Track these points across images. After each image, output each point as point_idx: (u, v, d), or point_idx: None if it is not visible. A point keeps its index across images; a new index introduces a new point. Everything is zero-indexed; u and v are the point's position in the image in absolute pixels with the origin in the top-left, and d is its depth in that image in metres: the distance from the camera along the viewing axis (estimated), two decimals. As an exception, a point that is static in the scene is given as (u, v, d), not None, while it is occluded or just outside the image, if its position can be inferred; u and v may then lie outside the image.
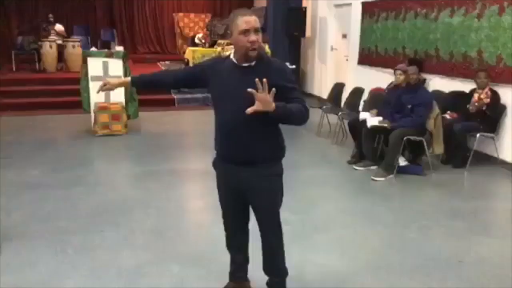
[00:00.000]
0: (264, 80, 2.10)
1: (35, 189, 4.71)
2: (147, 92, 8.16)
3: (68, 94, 8.82)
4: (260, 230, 2.57)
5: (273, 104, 2.14)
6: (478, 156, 5.64)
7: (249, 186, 2.43)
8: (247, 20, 2.24)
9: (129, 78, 2.71)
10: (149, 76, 2.76)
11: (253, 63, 2.32)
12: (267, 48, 8.82)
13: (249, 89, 2.10)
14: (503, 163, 5.57)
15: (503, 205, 4.60)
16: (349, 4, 9.13)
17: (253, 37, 2.23)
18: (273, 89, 2.11)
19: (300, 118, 2.32)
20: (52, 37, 10.77)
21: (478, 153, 5.65)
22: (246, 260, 2.76)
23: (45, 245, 3.50)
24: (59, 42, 10.77)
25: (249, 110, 2.14)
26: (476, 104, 5.46)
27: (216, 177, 2.59)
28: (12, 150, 6.02)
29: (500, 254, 3.50)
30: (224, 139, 2.41)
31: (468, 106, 5.54)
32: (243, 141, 2.34)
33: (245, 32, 2.23)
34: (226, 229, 2.70)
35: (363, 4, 8.61)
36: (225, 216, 2.66)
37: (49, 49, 10.42)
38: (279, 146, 2.47)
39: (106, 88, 2.67)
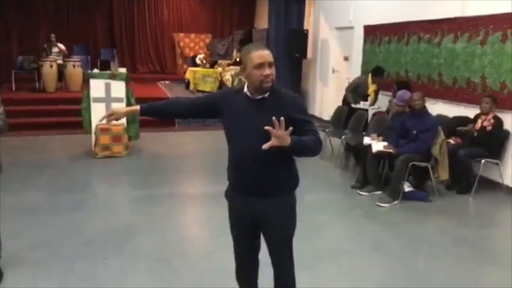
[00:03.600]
0: (282, 118, 2.10)
1: (35, 213, 4.63)
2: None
3: (68, 114, 8.77)
4: (272, 261, 2.52)
5: (289, 139, 2.14)
6: (482, 182, 5.60)
7: (263, 217, 2.40)
8: (261, 55, 2.25)
9: (138, 107, 2.65)
10: (159, 105, 2.73)
11: (266, 95, 2.31)
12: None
13: (267, 127, 2.10)
14: (508, 189, 5.54)
15: (509, 233, 4.55)
16: (351, 27, 9.19)
17: (267, 71, 2.25)
18: (290, 128, 2.12)
19: (314, 151, 2.32)
20: (53, 56, 10.77)
21: (482, 178, 5.61)
22: (255, 293, 2.70)
23: (48, 273, 3.44)
24: (60, 61, 10.76)
25: (265, 146, 2.14)
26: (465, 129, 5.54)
27: (228, 207, 2.55)
28: (11, 172, 5.92)
29: (509, 286, 3.45)
30: (239, 171, 2.39)
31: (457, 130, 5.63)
32: (258, 173, 2.32)
33: (259, 66, 2.24)
34: (236, 260, 2.64)
35: (365, 27, 8.67)
36: (236, 247, 2.60)
37: (49, 69, 10.38)
38: (293, 176, 2.45)
39: (113, 118, 2.61)
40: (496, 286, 3.44)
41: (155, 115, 2.77)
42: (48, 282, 3.31)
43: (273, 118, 2.10)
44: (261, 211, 2.38)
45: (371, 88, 7.35)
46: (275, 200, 2.38)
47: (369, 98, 7.34)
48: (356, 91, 7.44)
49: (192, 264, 3.69)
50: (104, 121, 2.62)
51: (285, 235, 2.48)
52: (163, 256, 3.78)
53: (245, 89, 2.37)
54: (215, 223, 4.44)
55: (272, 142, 2.14)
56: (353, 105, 7.27)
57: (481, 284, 3.49)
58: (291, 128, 2.13)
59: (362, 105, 7.28)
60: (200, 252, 3.99)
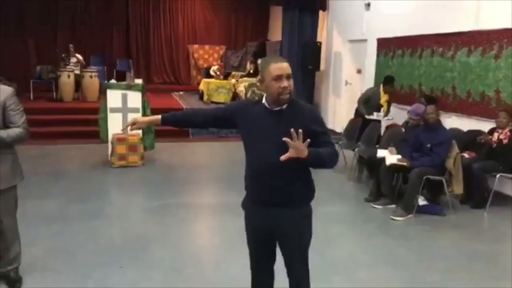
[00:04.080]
0: (300, 130, 2.15)
1: (53, 221, 4.71)
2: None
3: (85, 124, 8.93)
4: (288, 271, 2.56)
5: (306, 151, 2.19)
6: (497, 197, 5.58)
7: (280, 227, 2.44)
8: (279, 67, 2.31)
9: (159, 117, 2.71)
10: (179, 115, 2.81)
11: (284, 107, 2.36)
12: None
13: (285, 138, 2.16)
14: (523, 204, 5.51)
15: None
16: (364, 40, 9.25)
17: (285, 83, 2.30)
18: (308, 140, 2.17)
19: (330, 162, 2.37)
20: (71, 67, 10.97)
21: (497, 193, 5.59)
22: (270, 302, 2.73)
23: (66, 280, 3.51)
24: (77, 72, 10.96)
25: (283, 157, 2.19)
26: (485, 139, 5.48)
27: (245, 217, 2.60)
28: (28, 180, 6.01)
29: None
30: (256, 181, 2.44)
31: (478, 138, 5.56)
32: (275, 184, 2.37)
33: (278, 78, 2.30)
34: (252, 270, 2.67)
35: (379, 40, 8.72)
36: (252, 257, 2.64)
37: (67, 79, 10.58)
38: (309, 188, 2.49)
39: (135, 127, 2.70)
40: (511, 302, 3.43)
41: (176, 125, 2.84)
42: (66, 288, 3.38)
43: (292, 129, 2.15)
44: (277, 221, 2.42)
45: (383, 98, 7.38)
46: (291, 210, 2.42)
47: (382, 109, 7.37)
48: (368, 103, 7.46)
49: (206, 274, 3.73)
50: (128, 130, 2.70)
51: (301, 246, 2.51)
52: (177, 266, 3.83)
53: (264, 101, 2.43)
54: (229, 233, 4.49)
55: (290, 153, 2.19)
56: (366, 116, 7.29)
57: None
58: (309, 140, 2.18)
59: (376, 116, 7.31)
60: (214, 262, 4.03)
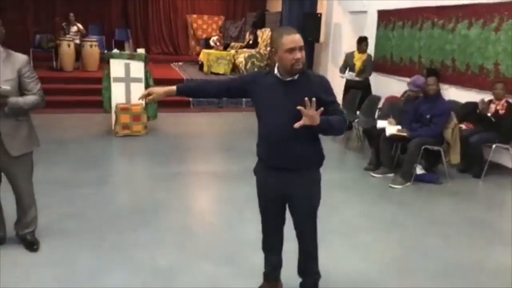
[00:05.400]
0: (314, 99, 2.28)
1: (63, 187, 4.84)
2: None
3: (86, 93, 8.99)
4: (297, 233, 2.72)
5: (318, 119, 2.31)
6: (493, 166, 5.76)
7: (291, 191, 2.59)
8: (292, 39, 2.39)
9: (174, 87, 2.78)
10: (193, 85, 2.92)
11: (295, 77, 2.47)
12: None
13: (299, 107, 2.28)
14: (517, 173, 5.70)
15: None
16: (365, 12, 9.26)
17: (298, 54, 2.40)
18: (321, 108, 2.30)
19: (340, 130, 2.52)
20: (71, 36, 10.92)
21: (493, 163, 5.77)
22: (280, 262, 2.91)
23: (82, 242, 3.65)
24: (77, 41, 10.92)
25: (297, 125, 2.32)
26: (483, 108, 5.65)
27: (257, 182, 2.73)
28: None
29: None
30: (269, 148, 2.56)
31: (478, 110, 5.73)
32: (288, 150, 2.49)
33: (291, 50, 2.39)
34: (264, 232, 2.83)
35: (379, 12, 8.74)
36: (264, 219, 2.79)
37: (67, 48, 10.55)
38: (319, 154, 2.63)
39: (151, 98, 2.75)
40: (506, 264, 3.61)
41: (189, 95, 2.95)
42: (82, 251, 3.52)
43: (306, 98, 2.27)
44: (289, 185, 2.56)
45: (357, 57, 7.66)
46: (302, 175, 2.56)
47: (355, 68, 7.67)
48: (348, 66, 7.77)
49: (218, 236, 3.91)
50: (142, 101, 2.80)
51: (311, 208, 2.67)
52: (188, 229, 4.00)
53: (275, 71, 2.53)
54: (237, 199, 4.64)
55: (303, 121, 2.31)
56: (340, 75, 7.72)
57: (490, 261, 3.67)
58: (322, 108, 2.30)
59: (348, 75, 7.61)
60: (226, 225, 4.18)
